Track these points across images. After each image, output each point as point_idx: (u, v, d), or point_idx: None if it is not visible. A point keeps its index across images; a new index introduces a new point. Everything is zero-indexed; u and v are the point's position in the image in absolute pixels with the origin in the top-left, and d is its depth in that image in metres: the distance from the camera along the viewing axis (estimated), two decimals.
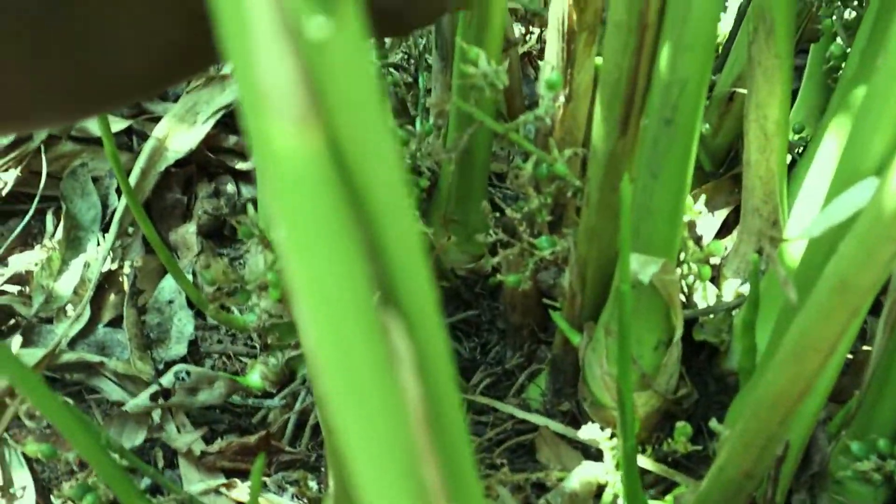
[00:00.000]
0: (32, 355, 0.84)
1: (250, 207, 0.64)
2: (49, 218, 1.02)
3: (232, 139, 1.08)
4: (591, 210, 0.64)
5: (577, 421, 0.72)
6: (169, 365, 0.87)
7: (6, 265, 0.98)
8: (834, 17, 0.81)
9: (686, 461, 0.69)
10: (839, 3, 0.80)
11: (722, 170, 0.94)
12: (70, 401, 0.86)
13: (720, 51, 1.03)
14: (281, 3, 0.12)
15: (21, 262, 0.98)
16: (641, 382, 0.65)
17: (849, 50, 0.78)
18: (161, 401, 0.81)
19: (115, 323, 0.93)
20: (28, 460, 0.78)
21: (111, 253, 0.95)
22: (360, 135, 0.13)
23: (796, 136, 0.91)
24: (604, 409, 0.67)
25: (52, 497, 0.77)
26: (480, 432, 0.75)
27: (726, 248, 0.79)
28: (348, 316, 0.14)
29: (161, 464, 0.80)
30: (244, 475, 0.77)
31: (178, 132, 1.03)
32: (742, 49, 0.88)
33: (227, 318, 0.84)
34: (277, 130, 0.12)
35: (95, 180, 1.04)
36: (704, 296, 0.75)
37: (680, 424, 0.64)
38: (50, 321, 0.92)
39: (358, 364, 0.15)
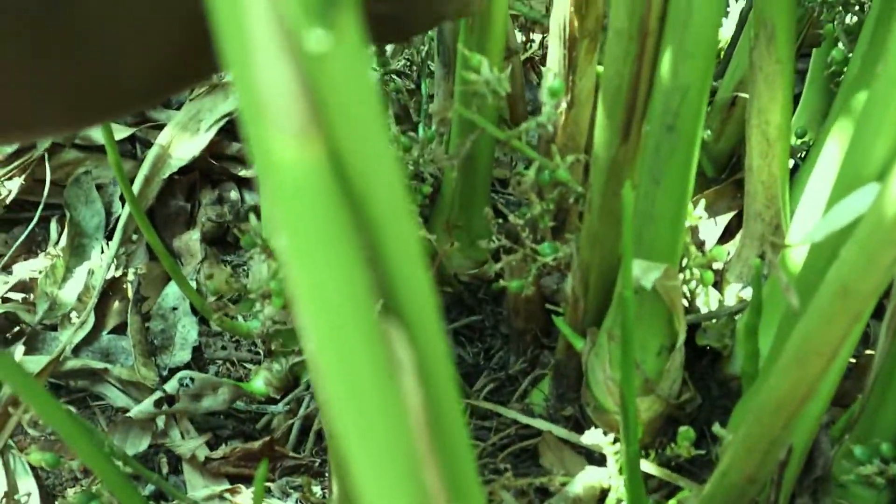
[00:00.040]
0: (37, 362, 0.84)
1: (252, 217, 0.64)
2: (53, 226, 1.03)
3: (235, 146, 1.08)
4: (593, 216, 0.64)
5: (580, 426, 0.72)
6: (173, 371, 0.87)
7: (10, 273, 0.98)
8: (835, 22, 0.81)
9: (689, 466, 0.69)
10: (841, 7, 0.80)
11: (724, 175, 0.94)
12: (74, 408, 0.86)
13: (722, 56, 1.04)
14: (280, 17, 0.12)
15: (25, 269, 0.98)
16: (644, 387, 0.65)
17: (850, 55, 0.78)
18: (165, 407, 0.81)
19: (119, 330, 0.93)
20: (32, 467, 0.78)
21: (115, 260, 0.95)
22: (360, 146, 0.14)
23: (799, 141, 0.91)
24: (607, 413, 0.68)
25: None
26: (484, 437, 0.75)
27: (729, 253, 0.79)
28: (349, 323, 0.14)
29: (165, 470, 0.80)
30: (248, 481, 0.77)
31: (182, 140, 1.03)
32: (744, 54, 0.88)
33: (231, 324, 0.84)
34: (278, 142, 0.12)
35: (99, 188, 1.04)
36: (707, 301, 0.75)
37: (683, 429, 0.64)
38: (54, 328, 0.92)
39: (359, 371, 0.15)
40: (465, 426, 0.19)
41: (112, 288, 0.95)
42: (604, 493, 0.64)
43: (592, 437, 0.63)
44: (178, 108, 1.09)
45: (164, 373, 0.89)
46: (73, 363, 0.86)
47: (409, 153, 0.74)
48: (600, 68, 0.68)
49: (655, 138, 0.55)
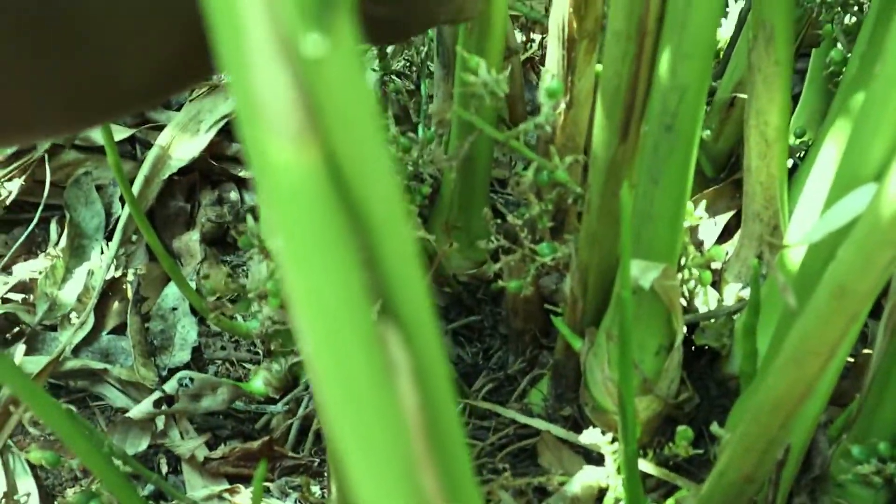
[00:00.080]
0: (37, 363, 0.84)
1: (250, 218, 0.64)
2: (53, 226, 1.03)
3: (235, 147, 1.08)
4: (592, 216, 0.65)
5: (578, 426, 0.72)
6: (172, 371, 0.87)
7: (10, 273, 0.98)
8: (834, 23, 0.81)
9: (687, 465, 0.69)
10: (839, 8, 0.80)
11: (723, 175, 0.94)
12: (74, 408, 0.86)
13: (721, 57, 1.04)
14: (277, 22, 0.12)
15: (25, 270, 0.98)
16: (643, 387, 0.65)
17: (849, 55, 0.78)
18: (164, 407, 0.81)
19: (119, 330, 0.93)
20: (32, 467, 0.78)
21: (115, 261, 0.95)
22: (356, 149, 0.14)
23: (797, 141, 0.91)
24: (605, 413, 0.68)
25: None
26: (482, 437, 0.76)
27: (727, 253, 0.79)
28: (346, 326, 0.15)
29: (165, 470, 0.80)
30: (247, 481, 0.77)
31: (182, 140, 1.03)
32: (742, 55, 0.88)
33: (231, 324, 0.84)
34: (274, 146, 0.12)
35: (99, 189, 1.04)
36: (705, 300, 0.75)
37: (681, 428, 0.64)
38: (54, 329, 0.92)
39: (355, 373, 0.15)
40: (461, 428, 0.19)
41: (112, 288, 0.95)
42: (602, 492, 0.64)
43: (591, 437, 0.63)
44: (178, 109, 1.09)
45: (164, 373, 0.89)
46: (72, 363, 0.86)
47: (408, 154, 0.74)
48: (599, 68, 0.68)
49: (654, 138, 0.55)
